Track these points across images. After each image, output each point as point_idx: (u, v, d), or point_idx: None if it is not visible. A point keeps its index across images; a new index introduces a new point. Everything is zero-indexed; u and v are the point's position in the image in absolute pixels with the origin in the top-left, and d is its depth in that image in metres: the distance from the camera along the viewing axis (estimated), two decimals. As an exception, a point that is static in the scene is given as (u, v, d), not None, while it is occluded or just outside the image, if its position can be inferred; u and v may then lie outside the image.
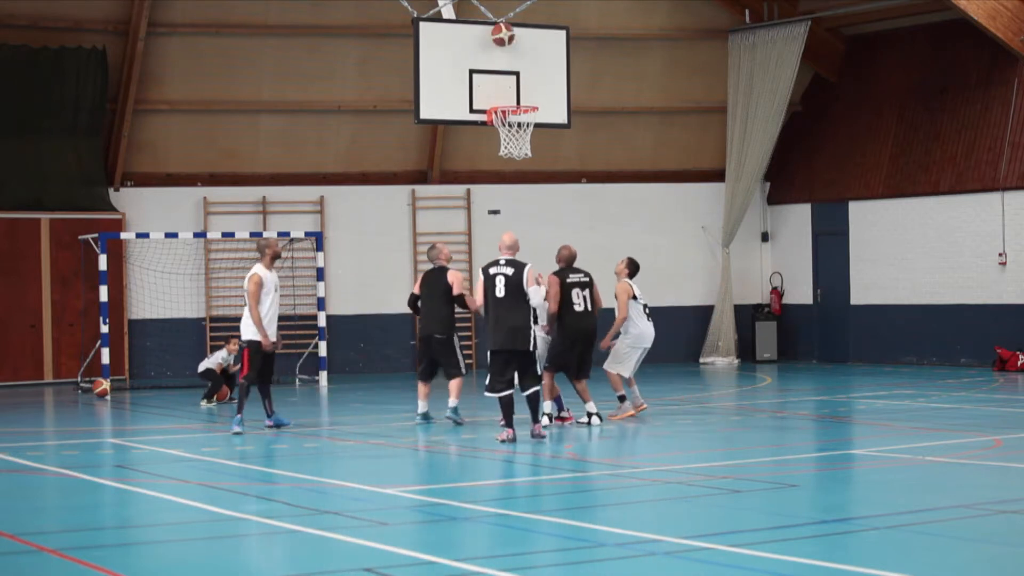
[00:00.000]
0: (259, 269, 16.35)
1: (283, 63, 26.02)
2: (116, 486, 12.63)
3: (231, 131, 26.34)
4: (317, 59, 26.10)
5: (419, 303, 17.13)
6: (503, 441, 14.88)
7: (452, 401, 16.82)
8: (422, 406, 17.12)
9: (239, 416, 16.29)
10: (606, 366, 17.15)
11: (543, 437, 15.11)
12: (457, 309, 17.04)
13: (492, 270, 15.13)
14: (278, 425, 16.80)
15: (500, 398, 15.08)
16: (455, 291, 16.82)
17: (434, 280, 17.00)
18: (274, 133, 26.61)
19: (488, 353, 15.27)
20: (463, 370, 17.01)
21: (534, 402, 15.18)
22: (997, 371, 24.08)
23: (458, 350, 16.97)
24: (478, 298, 15.28)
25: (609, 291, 17.10)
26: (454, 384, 16.89)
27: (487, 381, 15.17)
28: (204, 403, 20.40)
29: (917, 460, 13.29)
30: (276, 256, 16.51)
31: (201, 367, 21.02)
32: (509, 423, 15.02)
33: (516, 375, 15.11)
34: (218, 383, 20.57)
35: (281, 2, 25.66)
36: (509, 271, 15.03)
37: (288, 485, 12.49)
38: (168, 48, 25.44)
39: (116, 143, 25.57)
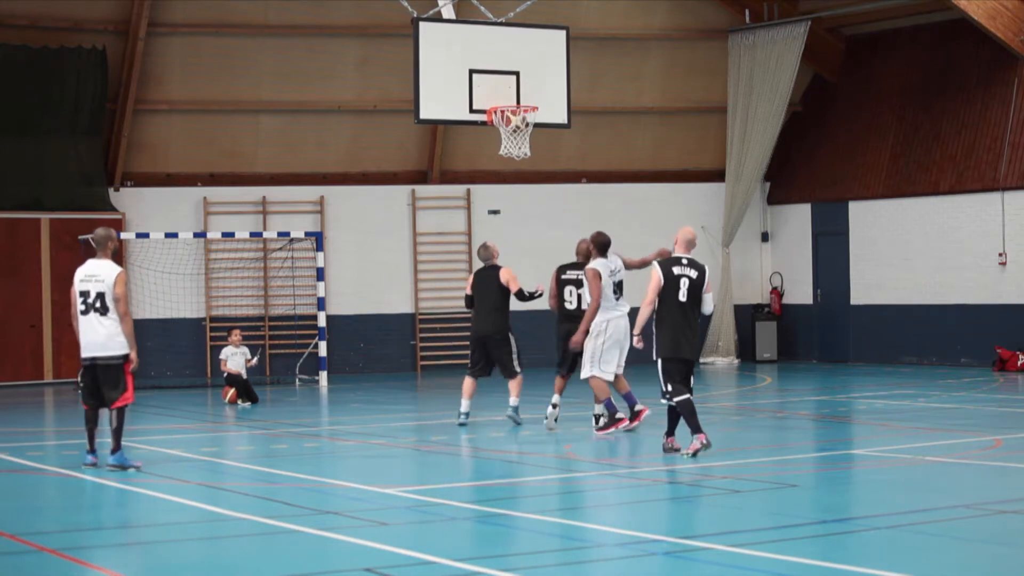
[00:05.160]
0: (116, 265, 13.84)
1: (283, 63, 26.02)
2: (116, 486, 12.62)
3: (231, 131, 26.34)
4: (317, 59, 26.11)
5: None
6: (695, 453, 13.27)
7: (513, 400, 16.62)
8: (465, 405, 16.76)
9: (122, 452, 13.50)
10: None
11: (690, 452, 13.33)
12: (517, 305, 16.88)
13: (676, 270, 13.49)
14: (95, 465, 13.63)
15: (680, 403, 13.44)
16: (513, 289, 16.62)
17: (487, 279, 16.83)
18: (274, 133, 26.61)
19: (659, 360, 13.56)
20: (518, 369, 16.69)
21: (690, 412, 13.41)
22: (997, 371, 24.06)
23: (515, 350, 16.69)
24: (649, 295, 13.49)
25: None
26: (513, 384, 16.68)
27: (668, 390, 13.49)
28: (241, 403, 20.35)
29: (917, 460, 13.28)
30: (116, 251, 13.73)
31: (225, 373, 20.80)
32: (697, 428, 13.38)
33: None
34: (238, 382, 20.45)
35: (281, 2, 25.65)
36: (694, 274, 13.50)
37: (288, 485, 12.48)
38: (168, 48, 25.43)
39: (116, 143, 25.56)
